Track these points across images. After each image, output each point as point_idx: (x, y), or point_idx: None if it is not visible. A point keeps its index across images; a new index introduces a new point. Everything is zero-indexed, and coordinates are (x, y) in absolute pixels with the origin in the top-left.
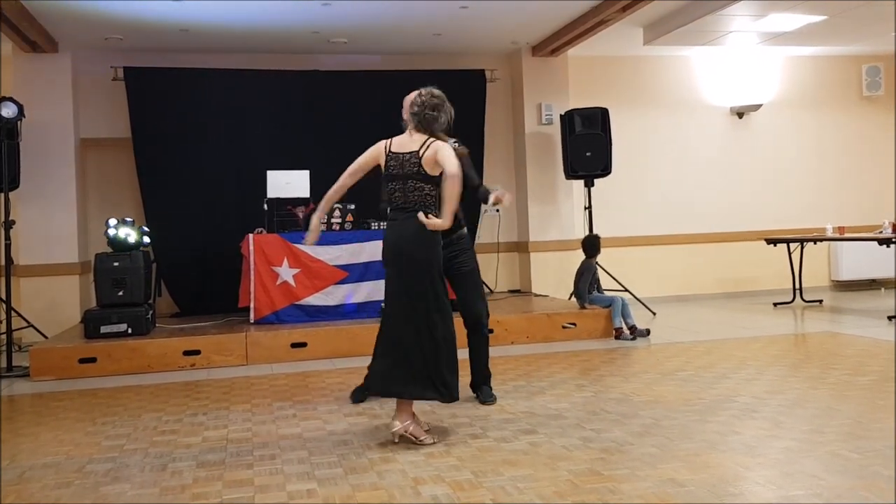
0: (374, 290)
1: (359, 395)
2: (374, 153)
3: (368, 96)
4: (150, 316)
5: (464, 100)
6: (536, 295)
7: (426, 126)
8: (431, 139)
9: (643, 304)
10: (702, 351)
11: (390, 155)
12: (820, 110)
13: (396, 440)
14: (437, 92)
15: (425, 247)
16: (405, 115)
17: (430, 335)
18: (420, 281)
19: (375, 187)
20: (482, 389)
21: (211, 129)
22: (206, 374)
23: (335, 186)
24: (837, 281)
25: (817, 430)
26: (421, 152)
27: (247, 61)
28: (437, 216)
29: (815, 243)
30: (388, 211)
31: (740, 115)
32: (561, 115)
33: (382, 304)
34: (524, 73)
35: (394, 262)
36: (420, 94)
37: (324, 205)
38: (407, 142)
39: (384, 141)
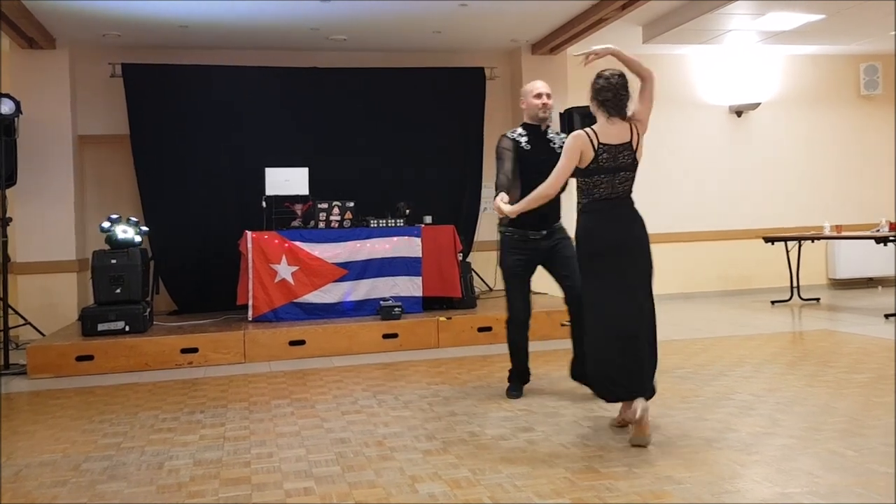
0: (372, 288)
1: (516, 390)
2: (581, 147)
3: (368, 93)
4: (147, 313)
5: (463, 97)
6: (535, 293)
7: (622, 109)
8: (630, 123)
9: None
10: (700, 348)
11: (602, 147)
12: (818, 109)
13: (649, 440)
14: (616, 70)
15: (647, 234)
16: (535, 105)
17: (654, 325)
18: (651, 268)
19: (373, 186)
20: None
21: (209, 126)
22: (204, 372)
23: (543, 194)
24: (835, 279)
25: (814, 428)
26: (634, 142)
27: (246, 58)
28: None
29: (812, 242)
30: (583, 202)
31: (739, 113)
32: (560, 114)
33: (594, 296)
34: (524, 71)
35: (620, 252)
36: (603, 78)
37: (522, 206)
38: (614, 131)
39: (582, 133)
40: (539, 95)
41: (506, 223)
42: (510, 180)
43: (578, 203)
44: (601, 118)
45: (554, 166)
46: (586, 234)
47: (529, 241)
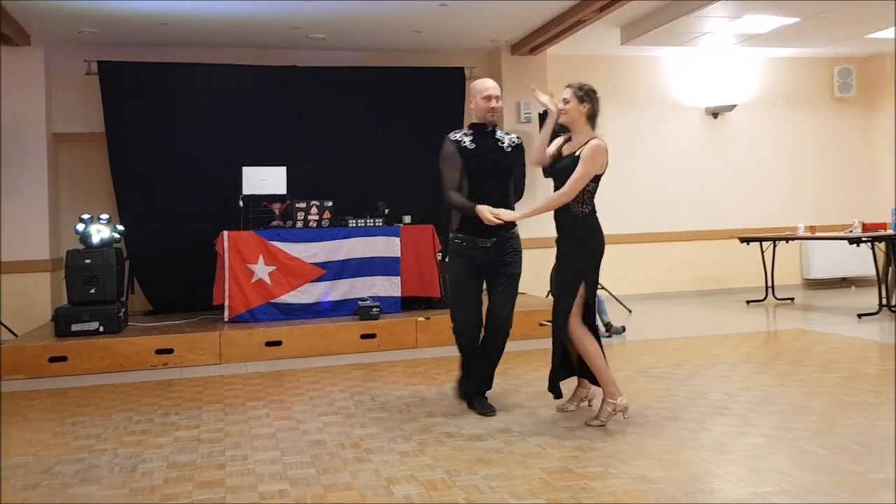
0: (350, 288)
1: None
2: (604, 156)
3: (347, 93)
4: (122, 314)
5: (443, 97)
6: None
7: None
8: None
9: (619, 301)
10: (675, 348)
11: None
12: (793, 111)
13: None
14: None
15: None
16: (483, 107)
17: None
18: None
19: (352, 185)
20: (483, 400)
21: (186, 124)
22: (179, 374)
23: (557, 202)
24: (809, 279)
25: (786, 427)
26: None
27: (225, 56)
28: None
29: (787, 242)
30: (590, 209)
31: (715, 115)
32: (539, 114)
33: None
34: (503, 71)
35: None
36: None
37: (528, 213)
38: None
39: (603, 142)
40: (489, 98)
41: (455, 229)
42: (457, 187)
43: (583, 210)
44: (593, 129)
45: (500, 167)
46: (600, 238)
47: (478, 248)
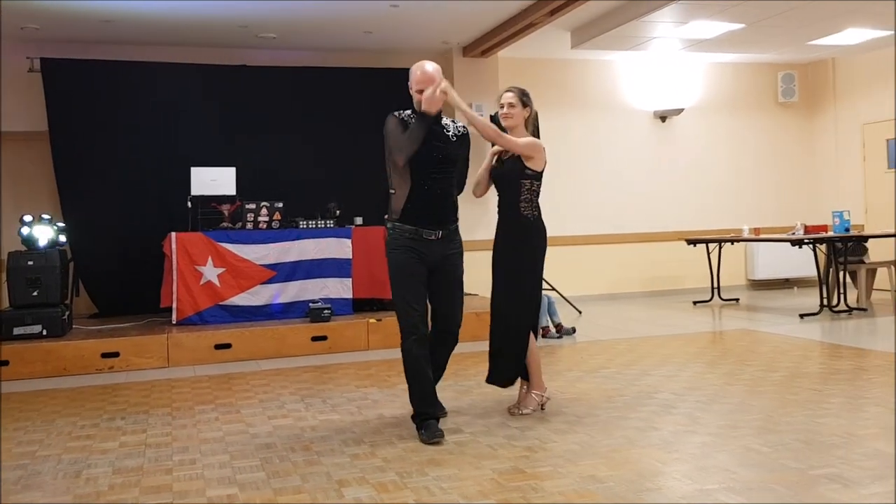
0: (301, 290)
1: (430, 432)
2: (542, 150)
3: (298, 93)
4: (66, 317)
5: (394, 98)
6: (466, 294)
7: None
8: None
9: (569, 302)
10: (625, 348)
11: None
12: (738, 115)
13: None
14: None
15: None
16: (416, 99)
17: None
18: None
19: (303, 186)
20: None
21: (133, 123)
22: (125, 377)
23: (507, 145)
24: (753, 280)
25: (731, 425)
26: None
27: (172, 54)
28: None
29: (732, 244)
30: (537, 208)
31: (663, 118)
32: (491, 116)
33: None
34: (455, 73)
35: None
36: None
37: (484, 126)
38: None
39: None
40: (421, 91)
41: (394, 219)
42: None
43: (529, 207)
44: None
45: (447, 154)
46: (544, 235)
47: (422, 240)
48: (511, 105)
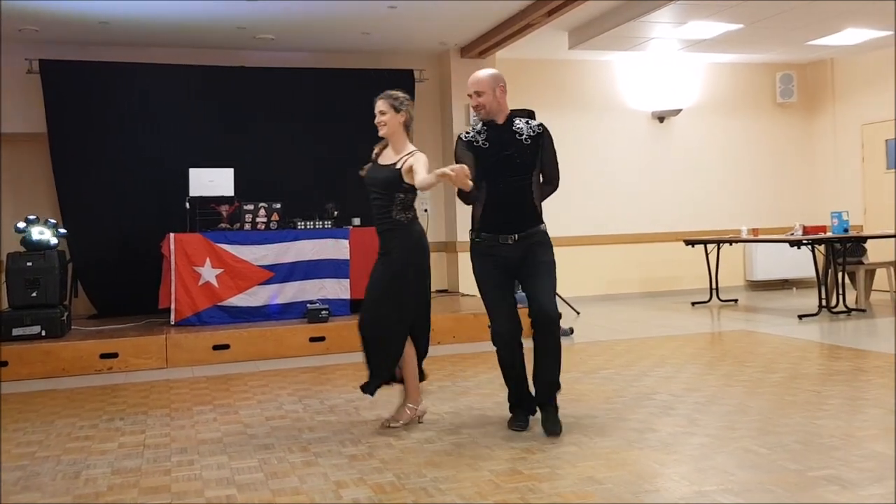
0: (299, 291)
1: (519, 421)
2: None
3: (296, 94)
4: (65, 318)
5: None
6: (464, 295)
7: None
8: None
9: (567, 303)
10: (623, 349)
11: None
12: (736, 116)
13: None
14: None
15: None
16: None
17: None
18: None
19: (301, 187)
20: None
21: (131, 125)
22: (124, 378)
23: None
24: (752, 281)
25: (730, 427)
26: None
27: (170, 56)
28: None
29: (730, 244)
30: (416, 215)
31: (661, 119)
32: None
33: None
34: (452, 74)
35: None
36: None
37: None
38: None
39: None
40: (470, 96)
41: (475, 227)
42: (477, 189)
43: (406, 216)
44: (409, 138)
45: (520, 160)
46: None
47: (500, 245)
48: (382, 112)
